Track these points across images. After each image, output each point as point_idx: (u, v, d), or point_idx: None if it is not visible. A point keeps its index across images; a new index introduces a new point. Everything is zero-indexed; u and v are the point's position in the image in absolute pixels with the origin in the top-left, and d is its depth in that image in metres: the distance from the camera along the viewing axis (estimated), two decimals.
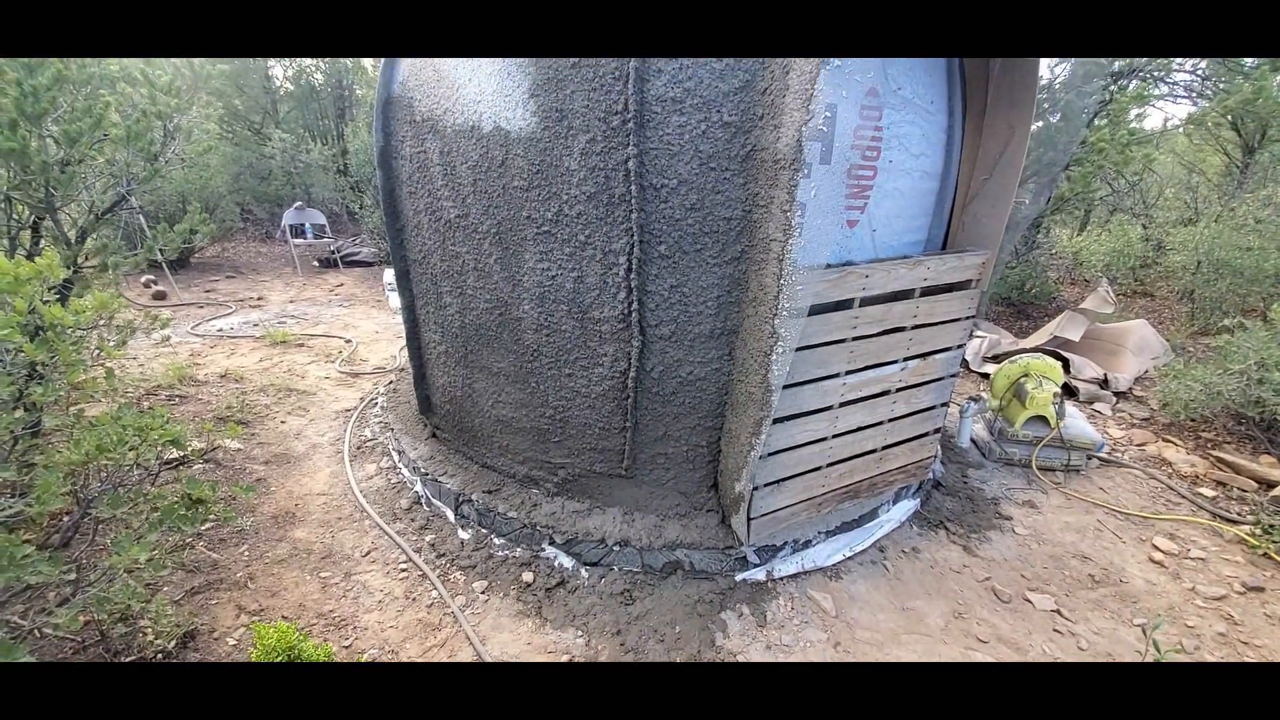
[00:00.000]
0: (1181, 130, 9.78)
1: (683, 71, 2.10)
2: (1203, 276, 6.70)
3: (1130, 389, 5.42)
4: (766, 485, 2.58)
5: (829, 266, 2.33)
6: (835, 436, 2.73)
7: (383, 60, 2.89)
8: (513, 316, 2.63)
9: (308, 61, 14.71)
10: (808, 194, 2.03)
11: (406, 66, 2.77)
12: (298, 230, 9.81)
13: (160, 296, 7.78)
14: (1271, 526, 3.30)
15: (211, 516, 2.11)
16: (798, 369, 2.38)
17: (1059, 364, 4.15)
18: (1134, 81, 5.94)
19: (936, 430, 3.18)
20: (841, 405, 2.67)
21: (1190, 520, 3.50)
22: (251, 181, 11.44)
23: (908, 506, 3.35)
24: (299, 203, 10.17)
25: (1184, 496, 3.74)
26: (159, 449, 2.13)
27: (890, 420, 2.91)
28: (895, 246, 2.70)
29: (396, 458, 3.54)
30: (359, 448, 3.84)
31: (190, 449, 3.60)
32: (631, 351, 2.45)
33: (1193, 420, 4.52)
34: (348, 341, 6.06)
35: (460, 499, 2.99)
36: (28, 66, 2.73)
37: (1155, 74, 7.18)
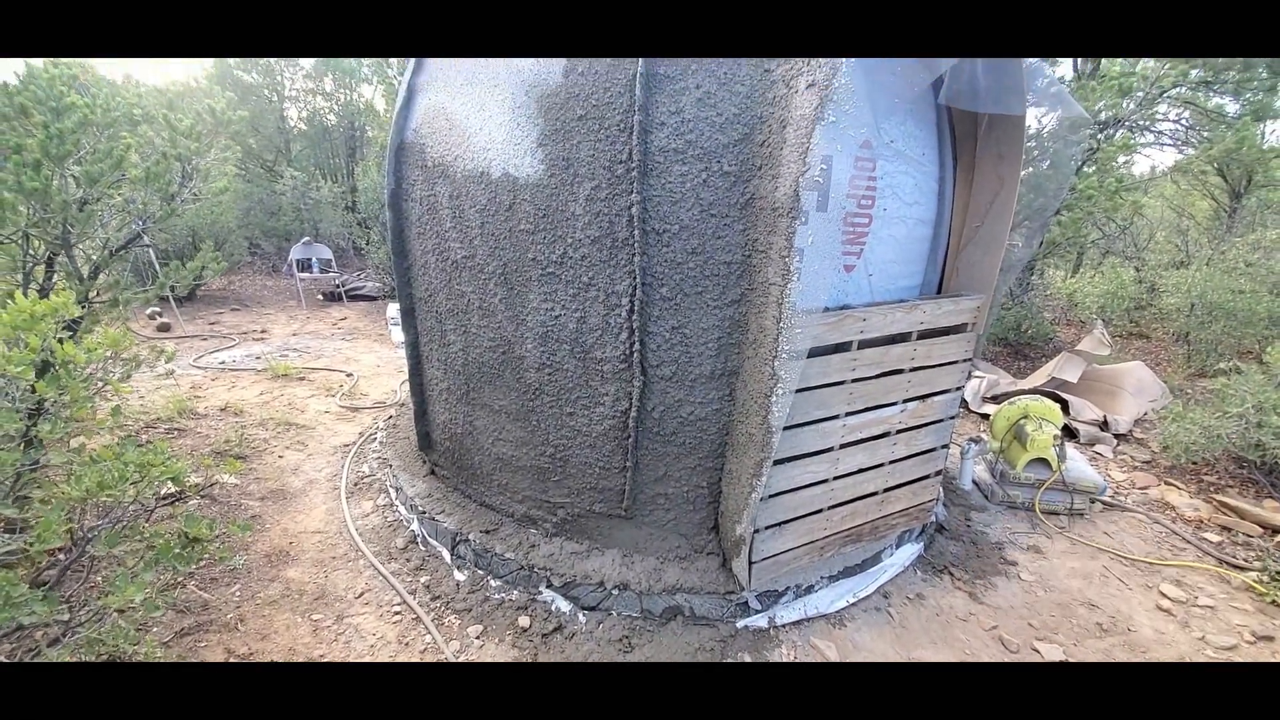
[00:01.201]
0: (1169, 178, 10.07)
1: (685, 125, 2.20)
2: (1197, 319, 6.78)
3: (1130, 431, 5.41)
4: (768, 528, 2.56)
5: (827, 310, 2.38)
6: (836, 478, 2.72)
7: (396, 108, 3.01)
8: (516, 355, 2.66)
9: (321, 103, 15.24)
10: (805, 240, 2.09)
11: (420, 114, 2.89)
12: (304, 264, 9.97)
13: (165, 328, 7.84)
14: (1271, 570, 3.25)
15: (206, 555, 2.09)
16: (798, 410, 2.40)
17: (1058, 406, 4.17)
18: (1120, 130, 6.18)
19: (938, 472, 3.17)
20: (842, 447, 2.67)
21: (1197, 566, 3.45)
22: (261, 216, 11.69)
23: (911, 551, 3.30)
24: (306, 238, 10.38)
25: (1189, 542, 3.70)
26: (158, 485, 2.13)
27: (891, 462, 2.91)
28: (892, 290, 2.76)
29: (394, 495, 3.51)
30: (356, 484, 3.81)
31: (187, 485, 3.58)
32: (633, 391, 2.47)
33: (1194, 464, 4.51)
34: (349, 375, 6.09)
35: (457, 538, 2.96)
36: (55, 110, 2.84)
37: (1140, 123, 7.46)
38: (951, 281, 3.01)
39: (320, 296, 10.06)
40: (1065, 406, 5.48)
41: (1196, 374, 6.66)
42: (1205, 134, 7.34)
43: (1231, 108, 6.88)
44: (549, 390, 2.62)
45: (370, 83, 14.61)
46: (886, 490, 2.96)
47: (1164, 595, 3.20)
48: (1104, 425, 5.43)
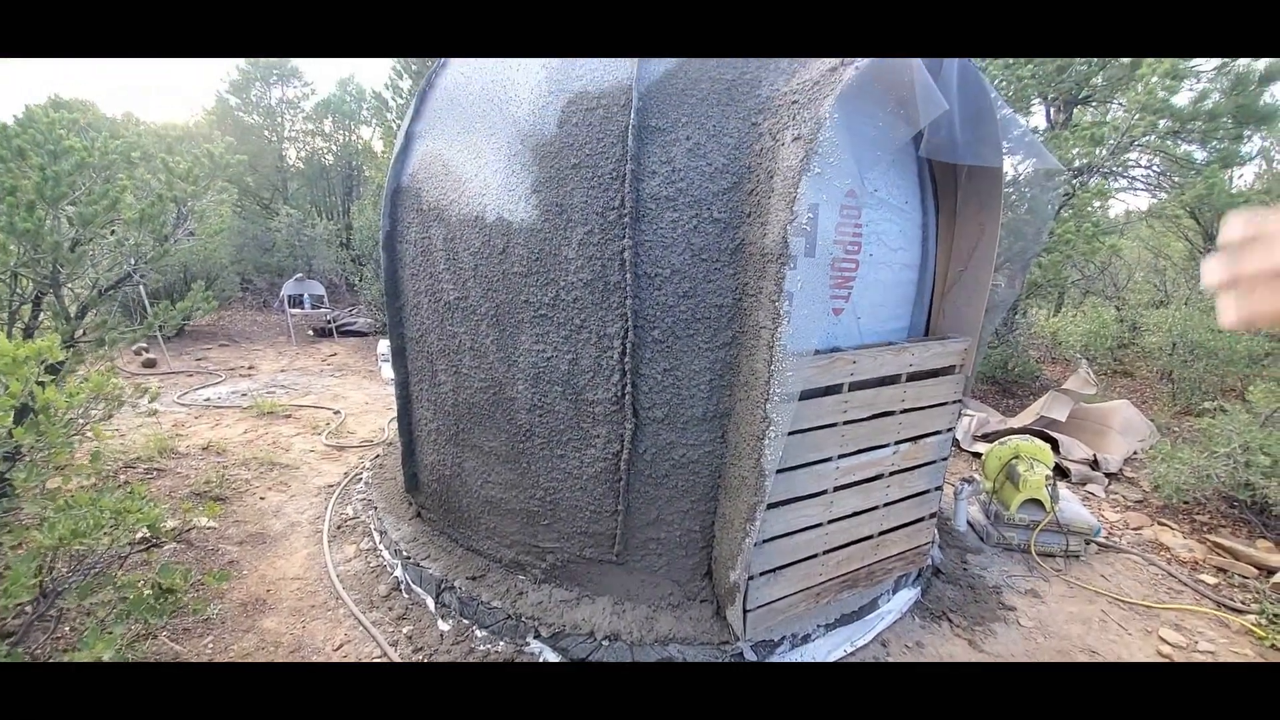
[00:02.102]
0: (1145, 222, 10.43)
1: (676, 173, 2.26)
2: (1179, 358, 6.92)
3: (1121, 470, 5.42)
4: (763, 574, 2.51)
5: (818, 352, 2.40)
6: (831, 522, 2.68)
7: (394, 154, 3.08)
8: (506, 396, 2.64)
9: (320, 143, 15.55)
10: (794, 285, 2.12)
11: (417, 160, 2.95)
12: (295, 300, 9.97)
13: (150, 364, 7.75)
14: (1277, 616, 3.22)
15: (180, 606, 2.01)
16: (790, 453, 2.39)
17: (1048, 445, 4.19)
18: (1094, 178, 6.43)
19: (932, 515, 3.14)
20: (836, 490, 2.65)
21: (1195, 610, 3.40)
22: (255, 253, 11.75)
23: (908, 596, 3.24)
24: (299, 274, 10.41)
25: (1185, 584, 3.66)
26: (134, 533, 2.06)
27: (885, 505, 2.89)
28: (880, 333, 2.80)
29: (378, 538, 3.41)
30: (339, 527, 3.71)
31: (164, 530, 3.48)
32: (624, 433, 2.45)
33: (1186, 503, 4.51)
34: (336, 413, 6.01)
35: (442, 585, 2.87)
36: (53, 154, 2.88)
37: (1114, 169, 7.76)
38: (938, 323, 3.05)
39: (311, 332, 10.02)
40: (1055, 445, 5.50)
41: (1182, 411, 6.74)
42: (1176, 179, 7.64)
43: (1199, 154, 7.19)
44: (540, 432, 2.60)
45: (369, 125, 14.99)
46: (882, 533, 2.92)
47: (1164, 640, 3.14)
48: (1094, 464, 5.45)
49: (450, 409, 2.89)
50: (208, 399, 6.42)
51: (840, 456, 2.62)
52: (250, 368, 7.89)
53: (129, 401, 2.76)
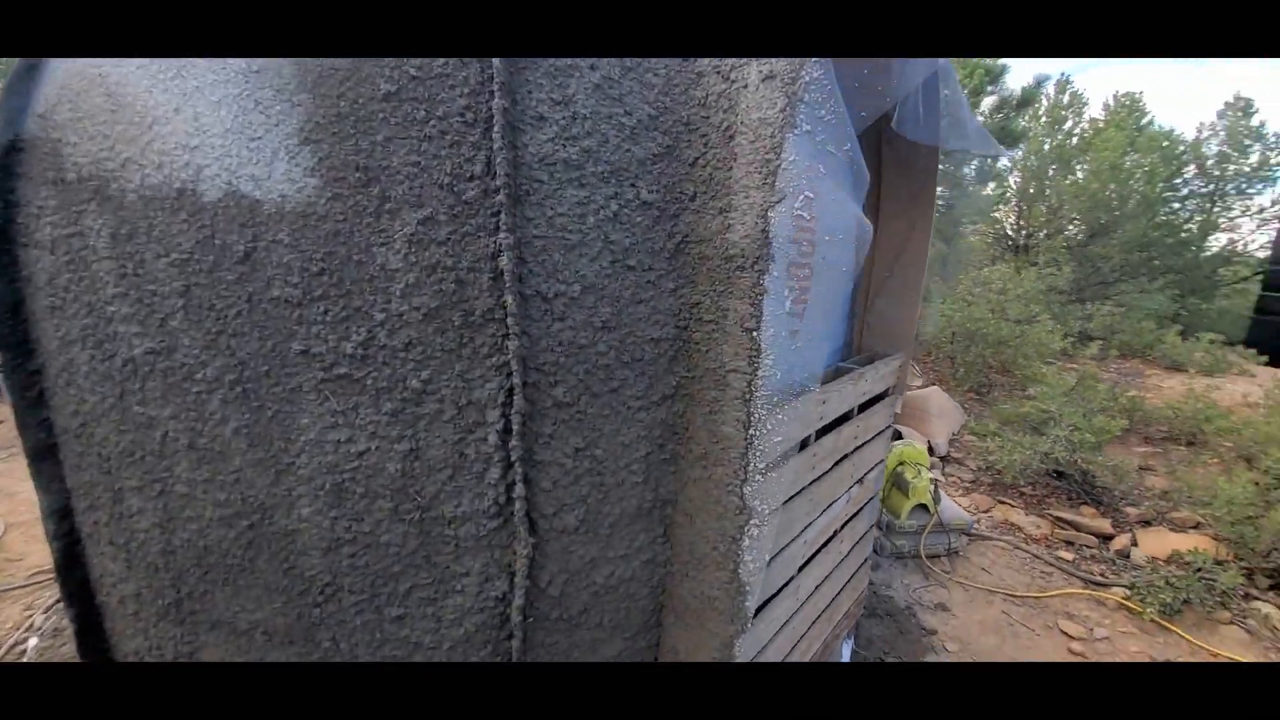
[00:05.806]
0: None
1: (577, 121, 1.34)
2: (959, 345, 8.02)
3: (949, 452, 5.91)
4: None
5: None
6: (797, 612, 2.02)
7: (6, 81, 1.61)
8: (276, 529, 1.43)
9: None
10: (781, 304, 1.38)
11: (55, 87, 1.54)
12: None
13: None
14: (1134, 586, 3.47)
15: None
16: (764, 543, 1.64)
17: (925, 449, 4.19)
18: None
19: (867, 556, 2.71)
20: (801, 569, 2.00)
21: (1072, 593, 3.55)
22: None
23: (847, 650, 2.78)
24: None
25: (1052, 564, 3.87)
26: None
27: (839, 564, 2.34)
28: (820, 356, 2.23)
29: None
30: None
31: None
32: (516, 562, 1.45)
33: (1015, 480, 4.95)
34: None
35: None
36: None
37: None
38: (863, 338, 2.62)
39: None
40: (898, 436, 5.79)
41: (970, 391, 7.80)
42: (942, 191, 8.96)
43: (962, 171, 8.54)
44: (352, 585, 1.44)
45: None
46: (834, 597, 2.37)
47: (1067, 634, 3.17)
48: (930, 450, 5.85)
49: (160, 559, 1.54)
50: None
51: (805, 527, 1.96)
52: None
53: None
